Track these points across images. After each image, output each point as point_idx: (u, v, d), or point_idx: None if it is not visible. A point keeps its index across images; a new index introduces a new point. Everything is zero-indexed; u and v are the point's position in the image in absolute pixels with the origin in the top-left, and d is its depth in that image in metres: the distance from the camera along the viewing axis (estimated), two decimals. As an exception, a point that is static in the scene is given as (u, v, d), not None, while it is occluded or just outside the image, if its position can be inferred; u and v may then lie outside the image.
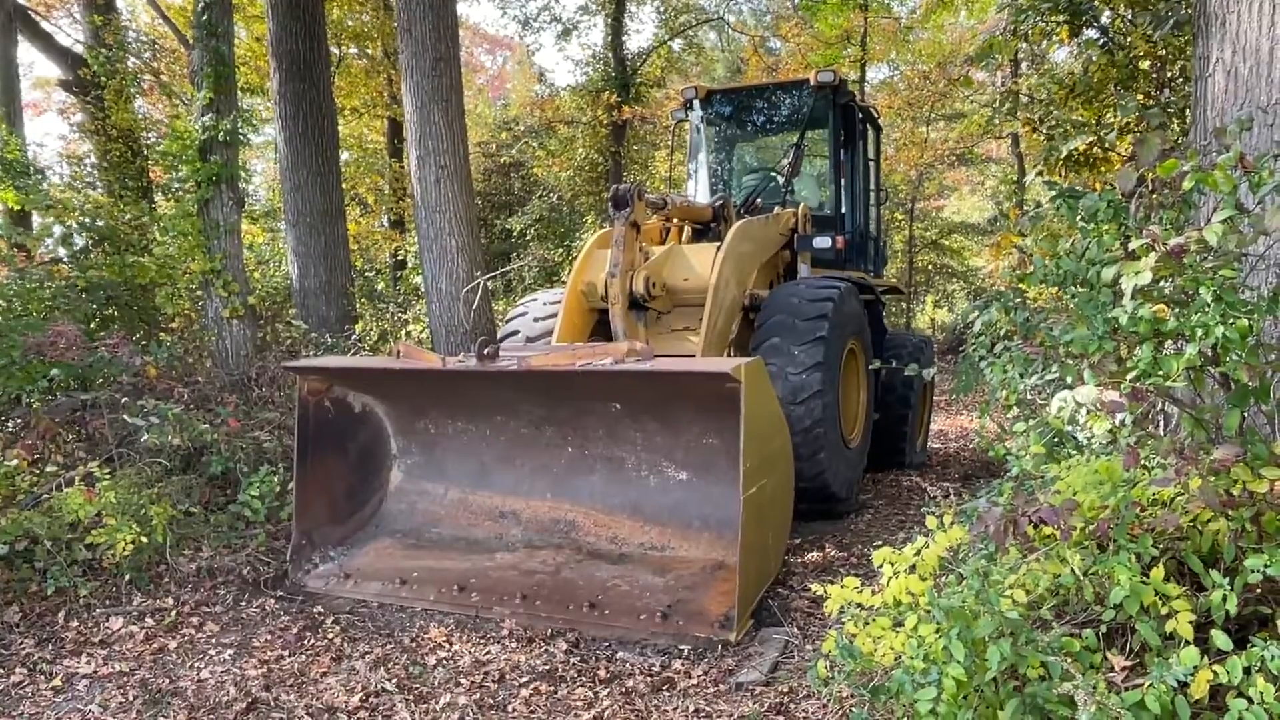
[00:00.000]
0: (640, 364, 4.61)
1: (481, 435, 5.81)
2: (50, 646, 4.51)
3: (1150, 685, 2.37)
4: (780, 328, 6.18)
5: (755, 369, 4.50)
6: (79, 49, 13.66)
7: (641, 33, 35.33)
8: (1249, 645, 2.41)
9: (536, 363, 4.79)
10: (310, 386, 5.47)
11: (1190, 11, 6.96)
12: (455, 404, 5.78)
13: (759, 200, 8.19)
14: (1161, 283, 2.95)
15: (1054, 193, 3.39)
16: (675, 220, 7.27)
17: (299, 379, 5.49)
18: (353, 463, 5.79)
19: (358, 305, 11.29)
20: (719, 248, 6.46)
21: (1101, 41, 9.66)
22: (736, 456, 4.36)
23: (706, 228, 7.35)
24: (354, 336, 10.27)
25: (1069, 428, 3.72)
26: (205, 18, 8.14)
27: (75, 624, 4.73)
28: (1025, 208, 16.25)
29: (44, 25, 14.27)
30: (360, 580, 5.26)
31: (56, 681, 4.15)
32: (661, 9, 21.80)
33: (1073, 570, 2.79)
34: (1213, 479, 2.72)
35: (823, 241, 7.76)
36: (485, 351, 4.88)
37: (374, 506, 5.87)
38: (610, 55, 20.02)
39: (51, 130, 27.93)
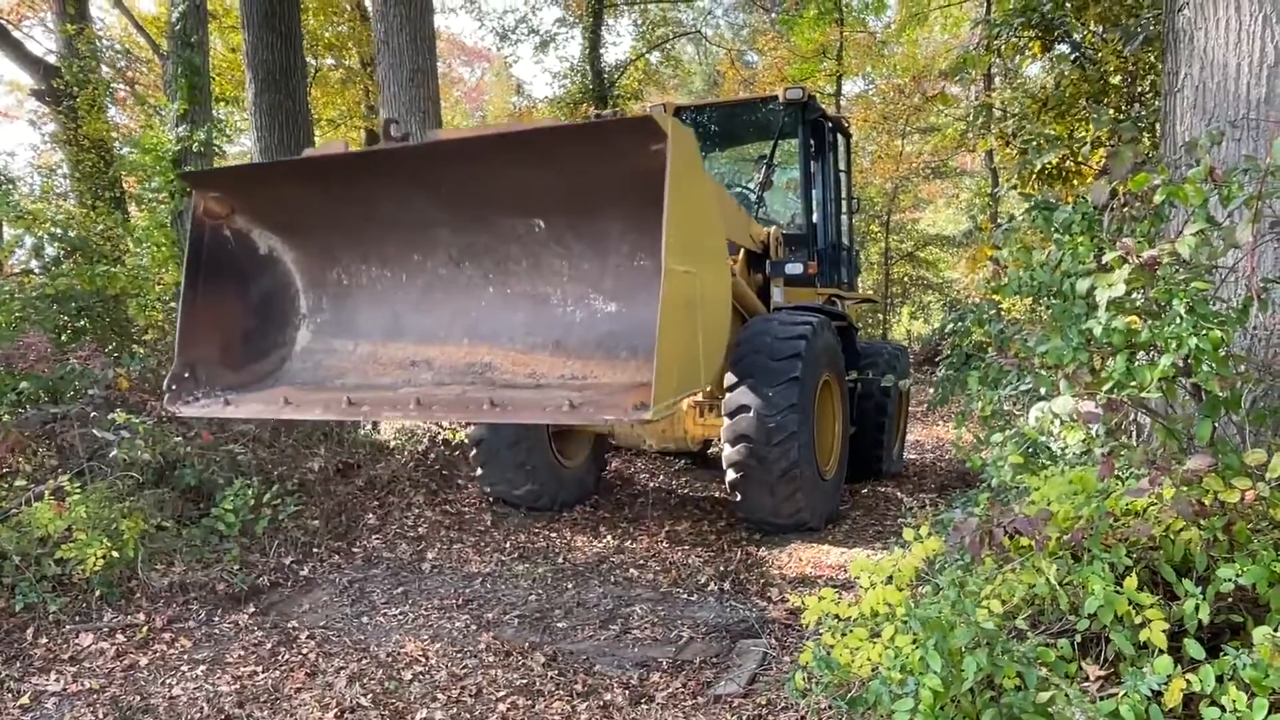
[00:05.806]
0: (556, 124, 4.38)
1: (398, 281, 5.35)
2: (18, 664, 4.42)
3: (1125, 694, 2.39)
4: (753, 368, 6.10)
5: (686, 134, 4.03)
6: (51, 59, 13.55)
7: (619, 45, 35.55)
8: (1221, 654, 2.44)
9: (445, 135, 4.58)
10: (208, 207, 4.90)
11: (1160, 28, 7.06)
12: (368, 243, 5.30)
13: None
14: (1134, 294, 2.98)
15: (1030, 205, 3.42)
16: None
17: (195, 196, 4.90)
18: (253, 306, 5.26)
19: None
20: None
21: (1073, 56, 9.81)
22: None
23: None
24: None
25: (1043, 438, 3.75)
26: (179, 28, 8.12)
27: (44, 640, 4.65)
28: (999, 220, 16.42)
29: (14, 34, 14.14)
30: (240, 404, 4.82)
31: (24, 699, 4.08)
32: (639, 22, 21.93)
33: (1048, 580, 2.81)
34: (1185, 489, 2.75)
35: (794, 268, 7.80)
36: (392, 132, 4.53)
37: (275, 363, 5.36)
38: (588, 67, 20.10)
39: (23, 138, 27.64)
